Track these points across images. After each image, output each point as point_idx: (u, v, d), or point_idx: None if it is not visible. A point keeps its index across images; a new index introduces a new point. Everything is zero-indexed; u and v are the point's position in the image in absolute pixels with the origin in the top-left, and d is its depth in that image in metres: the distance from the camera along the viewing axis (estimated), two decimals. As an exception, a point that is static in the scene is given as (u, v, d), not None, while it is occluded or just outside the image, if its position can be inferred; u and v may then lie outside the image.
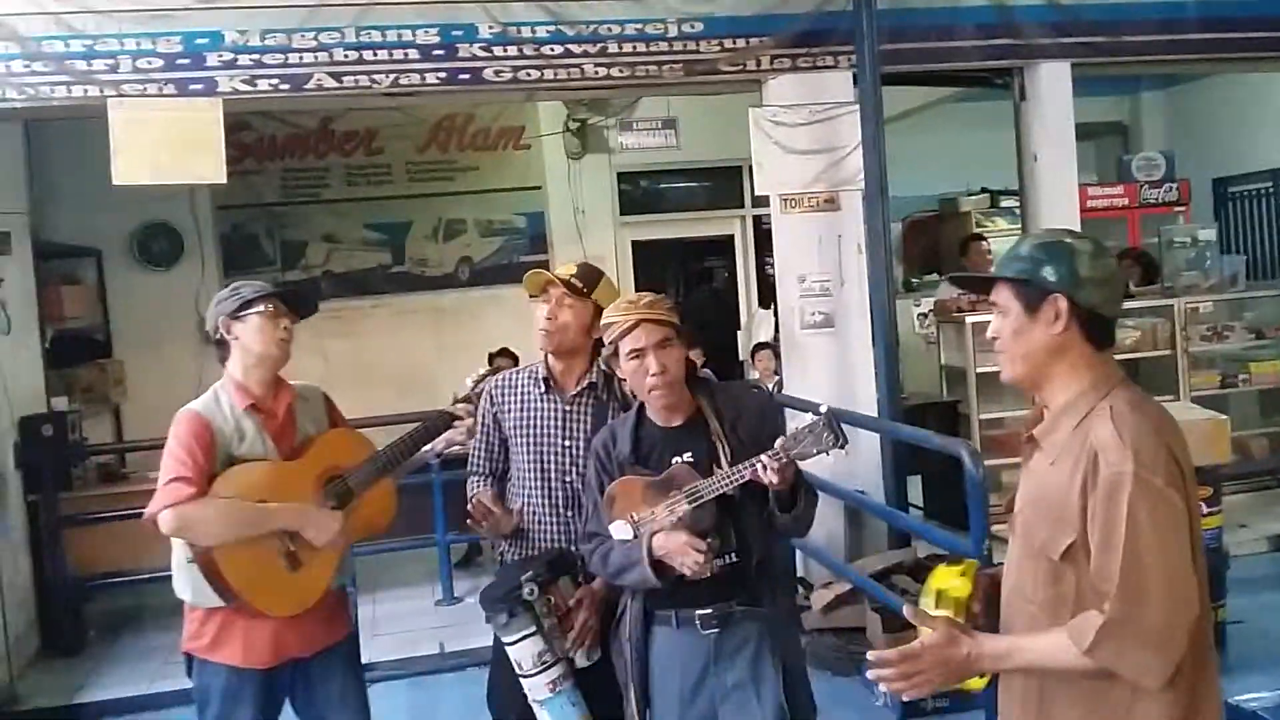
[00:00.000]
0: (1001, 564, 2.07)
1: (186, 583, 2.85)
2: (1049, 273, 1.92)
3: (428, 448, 3.06)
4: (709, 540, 2.50)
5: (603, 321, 2.71)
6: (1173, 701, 1.83)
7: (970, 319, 6.54)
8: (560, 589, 2.87)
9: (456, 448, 3.17)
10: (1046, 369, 1.94)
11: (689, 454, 2.60)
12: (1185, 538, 1.80)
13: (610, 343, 2.66)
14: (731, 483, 2.49)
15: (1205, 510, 3.50)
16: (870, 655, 1.96)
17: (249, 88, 5.30)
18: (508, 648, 2.83)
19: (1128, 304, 6.54)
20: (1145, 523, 1.76)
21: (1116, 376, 1.95)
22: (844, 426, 2.44)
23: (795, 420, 2.61)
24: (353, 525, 2.92)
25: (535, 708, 2.84)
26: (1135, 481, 1.77)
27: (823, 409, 2.45)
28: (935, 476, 6.28)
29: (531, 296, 3.10)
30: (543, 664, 2.80)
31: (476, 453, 3.20)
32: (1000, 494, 5.69)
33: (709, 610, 2.59)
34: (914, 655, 1.89)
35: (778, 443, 2.44)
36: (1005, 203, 9.00)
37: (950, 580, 2.04)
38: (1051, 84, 6.11)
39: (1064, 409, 1.93)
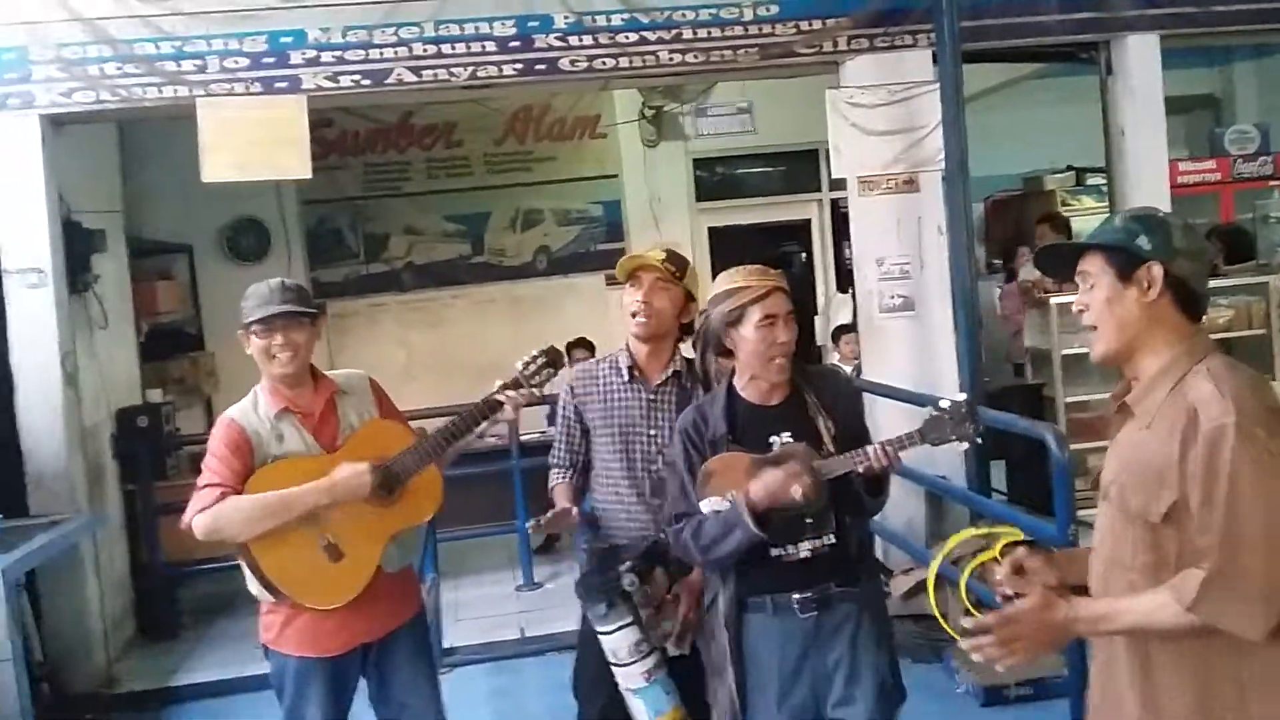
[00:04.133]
0: (1073, 545, 2.03)
1: (251, 579, 2.92)
2: (1144, 241, 1.91)
3: (478, 431, 3.02)
4: (802, 461, 2.47)
5: (726, 287, 2.62)
6: None
7: (1056, 300, 6.40)
8: (656, 579, 2.88)
9: (496, 435, 3.15)
10: (1140, 339, 1.92)
11: (788, 434, 2.57)
12: None
13: (733, 309, 2.57)
14: (860, 463, 2.46)
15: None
16: (966, 623, 1.93)
17: (332, 84, 5.40)
18: (603, 637, 2.84)
19: (1221, 282, 6.37)
20: (1247, 474, 1.73)
21: (1209, 345, 1.93)
22: (965, 395, 2.51)
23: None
24: (400, 512, 2.93)
25: (628, 696, 2.85)
26: (1238, 432, 1.74)
27: (961, 397, 2.48)
28: (1019, 461, 6.18)
29: (618, 282, 3.11)
30: (639, 653, 2.81)
31: (558, 445, 3.22)
32: (1085, 479, 5.58)
33: (808, 593, 2.57)
34: (1012, 620, 1.88)
35: (915, 429, 2.49)
36: (1091, 180, 8.78)
37: (973, 541, 2.05)
38: (1139, 57, 5.94)
39: (1158, 375, 1.90)
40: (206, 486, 2.83)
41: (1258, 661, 1.79)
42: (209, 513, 2.79)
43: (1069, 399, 6.40)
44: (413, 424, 3.15)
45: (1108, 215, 2.08)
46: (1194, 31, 6.04)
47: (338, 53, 5.40)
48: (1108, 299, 1.93)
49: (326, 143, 8.23)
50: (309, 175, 5.48)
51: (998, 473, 6.26)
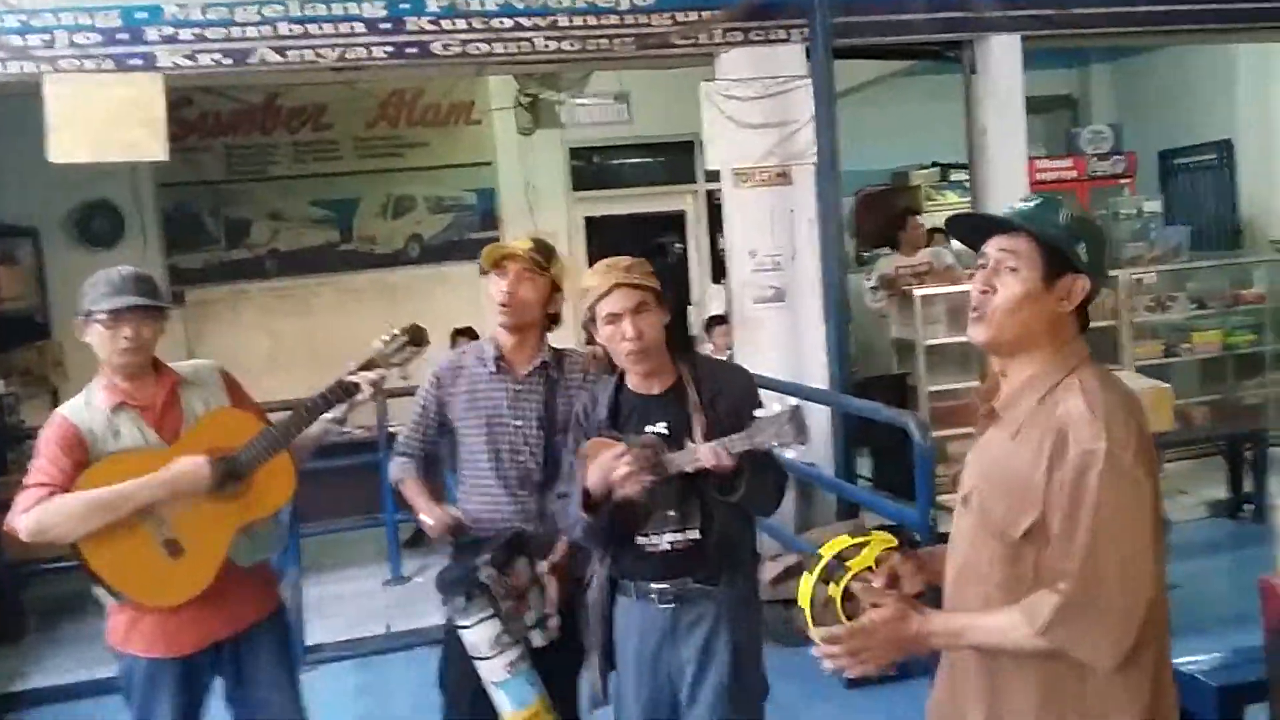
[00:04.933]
0: (931, 545, 2.04)
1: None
2: (1083, 251, 1.83)
3: (330, 417, 2.91)
4: (646, 449, 2.47)
5: (582, 285, 2.67)
6: (1136, 685, 1.80)
7: (919, 292, 6.58)
8: (517, 570, 2.85)
9: (363, 426, 3.05)
10: (1032, 340, 1.85)
11: (663, 424, 2.58)
12: (1149, 519, 1.76)
13: (588, 307, 2.62)
14: (689, 464, 2.46)
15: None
16: (815, 634, 1.93)
17: (190, 63, 5.19)
18: (463, 631, 2.80)
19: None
20: (1112, 503, 1.72)
21: (1085, 352, 1.88)
22: (796, 401, 2.47)
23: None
24: (248, 504, 2.82)
25: (491, 690, 2.82)
26: (1107, 459, 1.72)
27: (791, 403, 2.43)
28: (884, 449, 6.34)
29: (484, 272, 3.05)
30: (500, 646, 2.77)
31: (411, 432, 3.15)
32: (947, 465, 5.77)
33: (665, 585, 2.60)
34: (864, 632, 1.87)
35: (744, 431, 2.42)
36: (956, 176, 9.07)
37: (846, 549, 2.00)
38: (1001, 57, 6.13)
39: (1029, 382, 1.86)
40: (33, 486, 2.69)
41: (1103, 686, 1.80)
42: (33, 513, 2.66)
43: (932, 388, 6.60)
44: (276, 416, 3.01)
45: (1043, 198, 1.90)
46: (1053, 34, 6.27)
47: (197, 30, 5.19)
48: (1026, 294, 1.83)
49: (186, 124, 7.92)
50: (166, 157, 5.25)
51: (865, 460, 6.41)
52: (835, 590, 1.95)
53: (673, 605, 2.61)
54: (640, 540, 2.61)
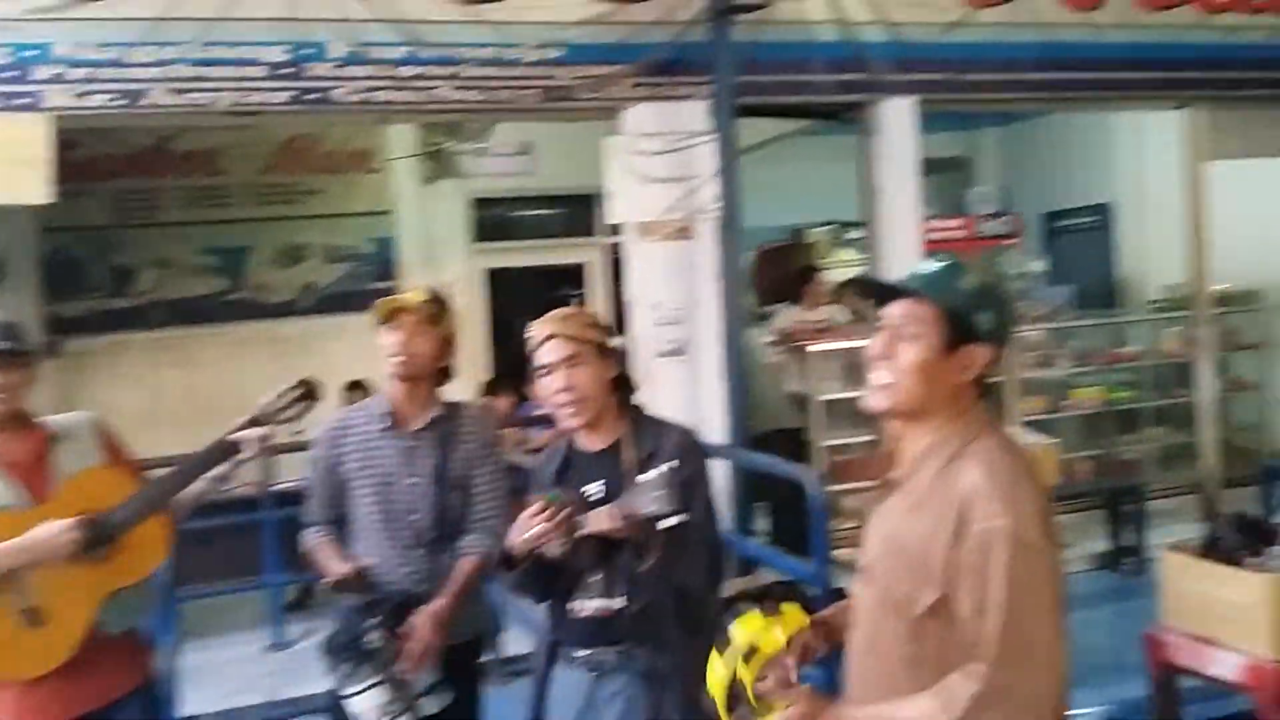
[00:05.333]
0: (828, 600, 1.99)
1: None
2: (984, 320, 1.78)
3: (214, 474, 2.78)
4: (562, 509, 2.39)
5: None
6: None
7: (813, 348, 6.68)
8: (410, 629, 2.76)
9: (243, 479, 2.92)
10: (931, 408, 1.80)
11: (601, 482, 2.52)
12: (1057, 594, 1.72)
13: (529, 357, 2.56)
14: (590, 528, 2.40)
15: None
16: (721, 711, 1.89)
17: (80, 103, 5.04)
18: (348, 700, 2.69)
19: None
20: (1021, 583, 1.66)
21: (985, 419, 1.84)
22: (674, 462, 2.39)
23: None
24: (117, 569, 2.67)
25: None
26: (1010, 538, 1.66)
27: (665, 467, 2.36)
28: (782, 503, 6.38)
29: (378, 324, 2.98)
30: (389, 715, 2.67)
31: (312, 500, 3.05)
32: (842, 519, 5.83)
33: (588, 652, 2.53)
34: None
35: (627, 496, 2.36)
36: (853, 234, 9.28)
37: (759, 630, 1.93)
38: (897, 119, 6.31)
39: (929, 450, 1.81)
40: None
41: None
42: None
43: (827, 442, 6.68)
44: (157, 473, 2.87)
45: (951, 260, 1.86)
46: (947, 98, 6.49)
47: (88, 70, 5.05)
48: (924, 362, 1.78)
49: (72, 166, 7.61)
50: (50, 200, 5.06)
51: (763, 514, 6.44)
52: (747, 674, 1.88)
53: (593, 674, 2.53)
54: (571, 604, 2.55)
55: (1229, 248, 7.40)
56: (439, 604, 2.84)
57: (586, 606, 2.53)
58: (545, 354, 2.52)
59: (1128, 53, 6.69)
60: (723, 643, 1.95)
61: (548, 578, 2.53)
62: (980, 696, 1.66)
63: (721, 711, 1.91)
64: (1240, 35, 6.94)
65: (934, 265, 1.86)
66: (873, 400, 1.84)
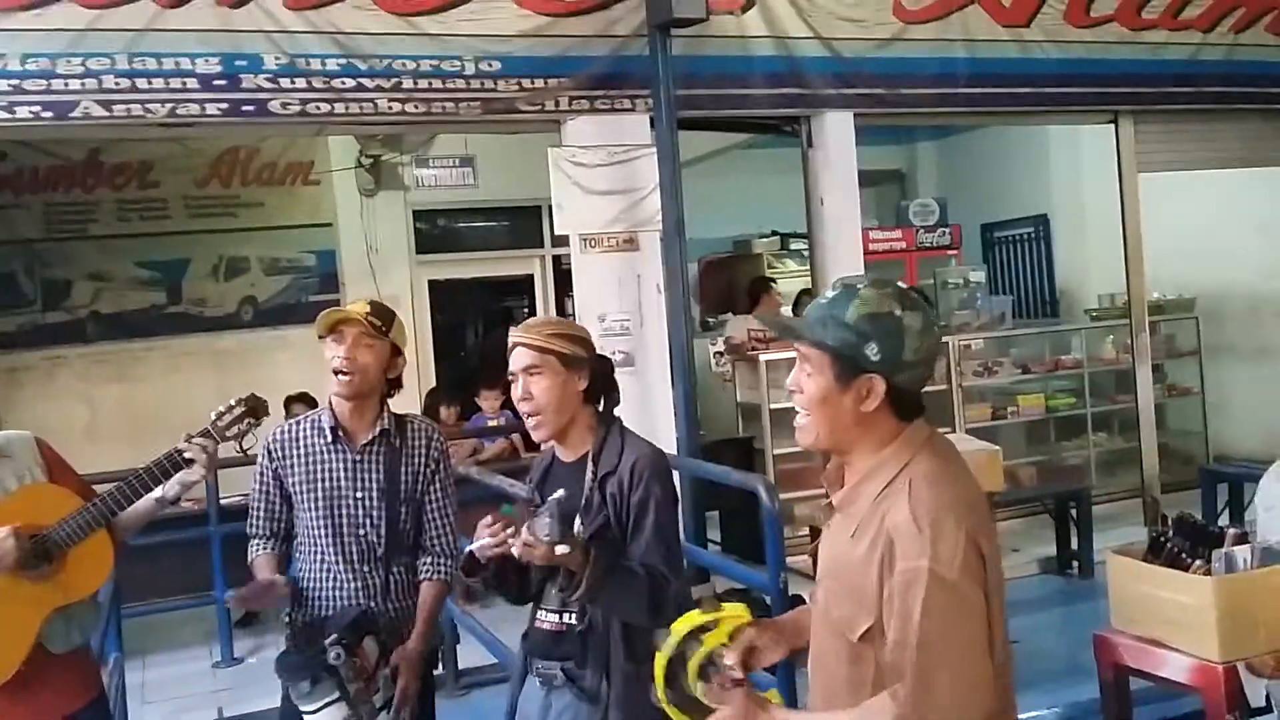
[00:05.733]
0: (783, 608, 1.99)
1: None
2: (872, 351, 1.78)
3: (158, 494, 2.71)
4: (505, 523, 2.35)
5: None
6: None
7: (764, 357, 6.70)
8: (365, 650, 2.69)
9: (190, 494, 2.84)
10: (849, 439, 1.83)
11: (562, 491, 2.41)
12: (981, 628, 1.73)
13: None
14: (493, 548, 2.34)
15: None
16: (670, 712, 1.90)
17: (7, 115, 4.91)
18: (308, 716, 2.62)
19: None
20: (937, 624, 1.69)
21: (919, 441, 1.84)
22: (561, 493, 2.32)
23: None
24: (61, 585, 2.61)
25: None
26: (931, 578, 1.69)
27: (555, 495, 2.29)
28: (732, 512, 6.38)
29: (321, 337, 2.91)
30: None
31: (255, 514, 2.96)
32: (794, 527, 5.84)
33: (543, 664, 2.50)
34: None
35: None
36: (795, 245, 9.35)
37: (695, 624, 1.95)
38: (836, 132, 6.38)
39: (865, 476, 1.83)
40: None
41: None
42: None
43: (778, 450, 6.70)
44: (98, 489, 2.79)
45: (843, 288, 1.86)
46: (884, 111, 6.57)
47: (14, 81, 4.91)
48: (823, 398, 1.81)
49: (0, 179, 7.46)
50: (-25, 213, 4.92)
51: (713, 524, 6.43)
52: (692, 666, 1.90)
53: (544, 689, 2.50)
54: (539, 612, 2.52)
55: (1163, 257, 7.57)
56: (413, 645, 2.80)
57: (545, 619, 2.51)
58: (511, 361, 2.47)
59: (1058, 68, 6.83)
60: (662, 637, 1.96)
61: (518, 582, 2.49)
62: None
63: (663, 703, 1.92)
64: (1167, 51, 7.11)
65: (824, 299, 1.87)
66: (798, 437, 1.89)
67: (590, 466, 2.45)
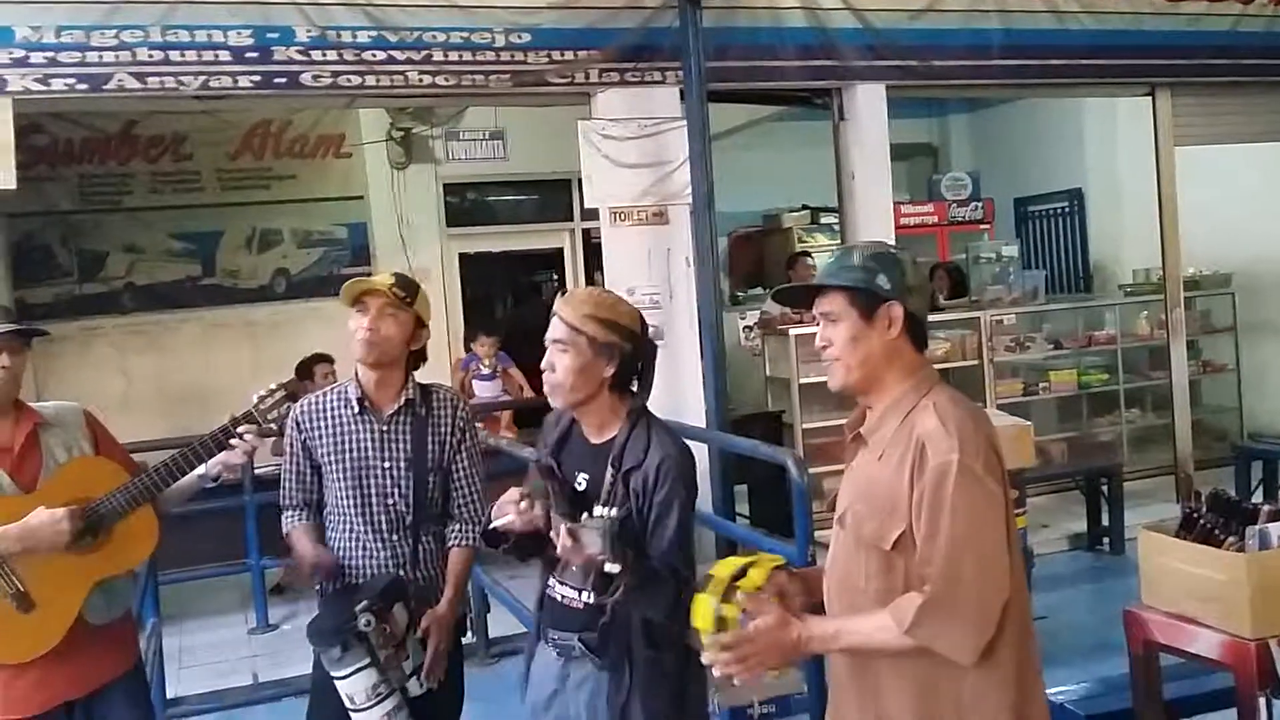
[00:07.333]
0: (812, 565, 2.08)
1: None
2: (884, 281, 2.01)
3: (200, 471, 2.75)
4: (531, 501, 2.35)
5: None
6: (1001, 681, 1.93)
7: (795, 332, 6.69)
8: (394, 617, 2.73)
9: (232, 474, 2.88)
10: (880, 372, 2.03)
11: (585, 477, 2.45)
12: (1002, 523, 1.91)
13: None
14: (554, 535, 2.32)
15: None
16: (705, 639, 1.97)
17: (42, 87, 4.96)
18: (339, 681, 2.67)
19: (939, 316, 6.87)
20: (965, 509, 1.86)
21: (935, 376, 2.07)
22: (616, 512, 2.25)
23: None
24: (107, 558, 2.66)
25: None
26: (959, 469, 1.87)
27: (611, 514, 2.22)
28: (761, 485, 6.38)
29: (348, 306, 2.93)
30: (377, 696, 2.65)
31: (287, 484, 3.00)
32: (822, 500, 5.83)
33: (559, 634, 2.51)
34: (748, 639, 1.95)
35: (572, 524, 2.24)
36: (825, 219, 9.29)
37: (735, 567, 2.05)
38: (867, 105, 6.34)
39: (890, 407, 2.02)
40: None
41: (971, 682, 1.93)
42: None
43: (806, 425, 6.69)
44: (144, 460, 2.85)
45: (842, 249, 2.16)
46: (916, 84, 6.51)
47: (50, 53, 4.97)
48: (853, 337, 2.02)
49: (35, 151, 7.53)
50: (12, 185, 4.97)
51: (742, 497, 6.44)
52: (731, 610, 1.99)
53: (561, 658, 2.51)
54: (549, 582, 2.53)
55: (1199, 232, 7.47)
56: (443, 609, 2.84)
57: (563, 589, 2.52)
58: (549, 331, 2.46)
59: (1093, 39, 6.74)
60: (705, 580, 2.04)
61: (536, 550, 2.50)
62: (924, 607, 1.87)
63: (705, 641, 2.00)
64: (1204, 22, 7.01)
65: (830, 260, 2.15)
66: (831, 382, 2.09)
67: (616, 455, 2.42)
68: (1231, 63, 7.06)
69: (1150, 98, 7.17)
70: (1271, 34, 7.13)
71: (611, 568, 2.20)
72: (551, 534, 2.31)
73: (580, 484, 2.47)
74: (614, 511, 2.23)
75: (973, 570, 1.86)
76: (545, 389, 2.48)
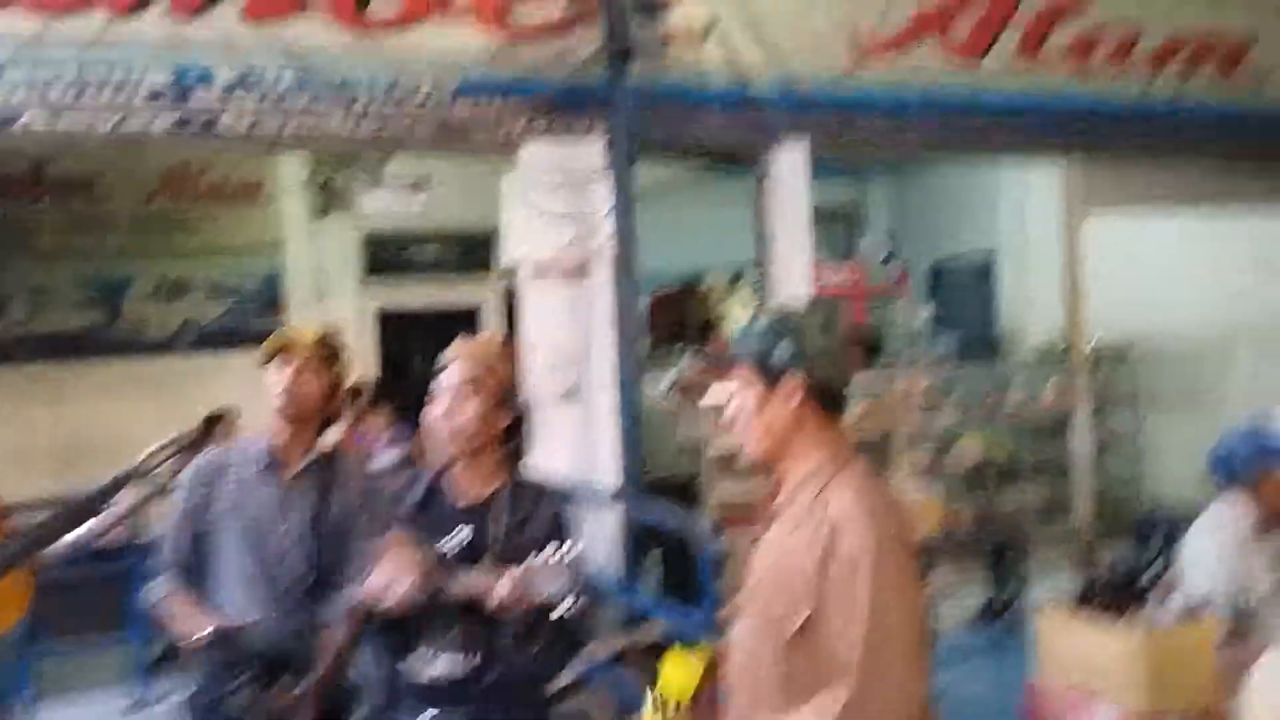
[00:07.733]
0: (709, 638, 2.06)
1: None
2: (783, 349, 2.00)
3: (80, 533, 2.65)
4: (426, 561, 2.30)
5: None
6: None
7: (704, 401, 6.63)
8: (280, 689, 2.61)
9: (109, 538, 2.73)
10: (787, 443, 2.01)
11: (467, 535, 2.40)
12: (917, 619, 1.89)
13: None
14: (483, 592, 2.28)
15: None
16: None
17: (-52, 125, 4.80)
18: None
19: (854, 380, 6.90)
20: (881, 601, 1.82)
21: (849, 450, 2.05)
22: (578, 545, 2.29)
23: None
24: None
25: None
26: (873, 561, 1.84)
27: (575, 549, 2.25)
28: (673, 549, 6.32)
29: (267, 361, 2.85)
30: None
31: (172, 542, 2.87)
32: (735, 564, 5.79)
33: (435, 712, 2.41)
34: None
35: (519, 569, 2.23)
36: (748, 278, 9.33)
37: (684, 667, 2.05)
38: (789, 164, 6.41)
39: (803, 480, 1.99)
40: None
41: None
42: None
43: (719, 492, 6.64)
44: (32, 516, 2.69)
45: (753, 314, 2.17)
46: (837, 143, 6.61)
47: (-44, 90, 4.80)
48: (755, 406, 2.02)
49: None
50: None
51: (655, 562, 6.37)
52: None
53: None
54: (410, 661, 2.42)
55: (1105, 301, 7.66)
56: (325, 676, 2.70)
57: (433, 664, 2.41)
58: (446, 375, 2.43)
59: (1009, 104, 6.92)
60: (653, 699, 2.07)
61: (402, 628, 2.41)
62: (849, 706, 1.81)
63: None
64: (1116, 90, 7.26)
65: (742, 327, 2.15)
66: (742, 455, 2.10)
67: (504, 511, 2.40)
68: (1139, 129, 7.31)
69: (1061, 163, 7.37)
70: (1179, 103, 7.40)
71: (563, 608, 2.18)
72: (456, 589, 2.25)
73: (456, 546, 2.41)
74: (568, 548, 2.23)
75: (895, 665, 1.83)
76: (442, 435, 2.42)
